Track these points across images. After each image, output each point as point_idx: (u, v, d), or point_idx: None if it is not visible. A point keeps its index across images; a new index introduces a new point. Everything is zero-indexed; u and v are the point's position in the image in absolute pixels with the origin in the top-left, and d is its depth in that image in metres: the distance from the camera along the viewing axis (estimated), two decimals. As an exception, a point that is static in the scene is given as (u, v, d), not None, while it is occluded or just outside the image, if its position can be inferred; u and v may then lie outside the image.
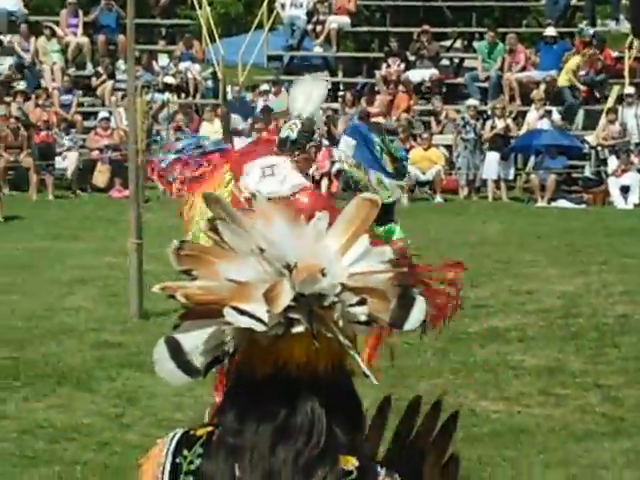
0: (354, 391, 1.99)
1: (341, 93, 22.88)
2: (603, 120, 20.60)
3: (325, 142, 22.81)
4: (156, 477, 1.98)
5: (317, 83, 5.99)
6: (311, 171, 6.21)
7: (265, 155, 5.92)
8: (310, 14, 24.21)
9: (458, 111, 21.67)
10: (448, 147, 21.19)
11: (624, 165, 19.66)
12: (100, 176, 20.69)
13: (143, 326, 9.80)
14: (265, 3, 23.47)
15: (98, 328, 9.81)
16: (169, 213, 16.48)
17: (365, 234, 1.94)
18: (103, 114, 21.70)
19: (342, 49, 25.38)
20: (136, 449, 6.57)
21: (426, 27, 23.27)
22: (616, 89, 21.32)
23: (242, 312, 1.83)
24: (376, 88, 22.81)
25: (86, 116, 22.76)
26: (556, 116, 20.99)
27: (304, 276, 1.85)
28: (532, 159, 20.80)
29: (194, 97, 23.29)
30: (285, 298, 1.83)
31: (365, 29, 25.82)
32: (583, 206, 19.47)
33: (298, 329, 1.85)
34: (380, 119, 21.37)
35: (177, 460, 1.97)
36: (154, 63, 23.57)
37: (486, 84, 22.40)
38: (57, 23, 23.68)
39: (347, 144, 13.44)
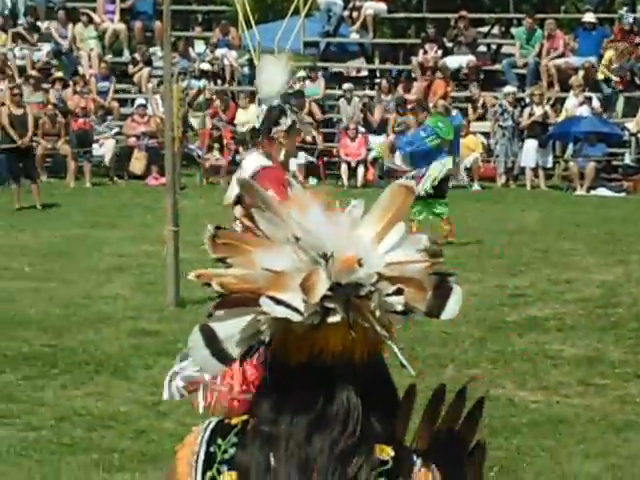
0: (390, 380, 1.97)
1: (377, 80, 22.80)
2: (643, 107, 20.41)
3: (361, 130, 22.88)
4: (190, 465, 1.96)
5: (279, 63, 5.85)
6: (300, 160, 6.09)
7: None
8: (346, 0, 24.13)
9: (496, 98, 21.52)
10: (486, 134, 21.05)
11: (665, 152, 19.48)
12: (137, 163, 20.75)
13: (179, 314, 9.80)
14: (302, -11, 23.43)
15: (135, 316, 9.82)
16: (205, 200, 16.55)
17: (401, 222, 1.91)
18: (139, 101, 21.75)
19: (378, 35, 25.27)
20: (172, 437, 6.58)
21: (463, 13, 23.13)
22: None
23: (278, 302, 1.81)
24: (413, 75, 22.69)
25: (123, 103, 22.84)
26: (596, 103, 20.80)
27: (341, 265, 1.83)
28: (571, 146, 20.62)
29: (230, 84, 23.29)
30: (321, 287, 1.81)
31: (402, 15, 25.68)
32: (623, 194, 19.29)
33: (334, 319, 1.83)
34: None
35: (211, 449, 1.95)
36: (190, 50, 23.59)
37: (524, 70, 22.22)
38: (94, 10, 23.75)
39: (402, 159, 13.45)
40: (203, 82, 22.63)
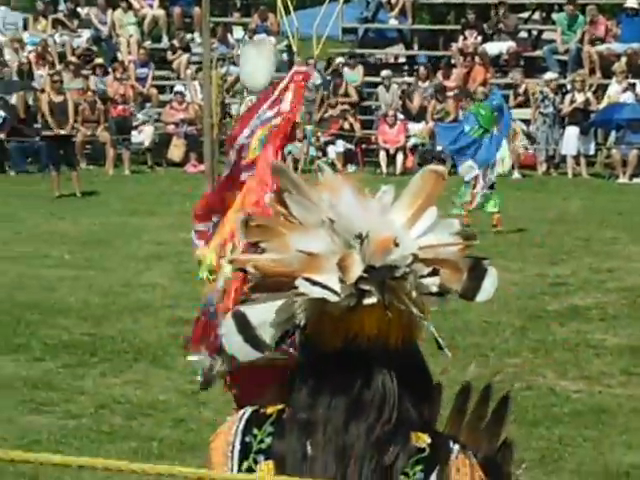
0: (425, 367, 1.96)
1: (416, 67, 22.68)
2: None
3: (400, 117, 22.79)
4: (226, 455, 1.95)
5: (263, 53, 5.73)
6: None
7: None
8: (386, -14, 24.03)
9: (537, 84, 21.33)
10: (526, 122, 20.88)
11: None
12: (175, 150, 20.77)
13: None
14: (340, -25, 23.33)
15: (173, 305, 9.82)
16: (244, 188, 16.52)
17: (433, 206, 1.91)
18: (178, 88, 21.76)
19: (418, 21, 25.15)
20: (211, 426, 6.50)
21: (504, -1, 22.95)
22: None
23: (314, 283, 1.81)
24: (452, 61, 22.54)
25: (161, 90, 22.86)
26: (639, 89, 20.56)
27: (376, 247, 1.82)
28: (613, 134, 20.41)
29: (269, 71, 23.22)
30: (357, 269, 1.81)
31: (441, 1, 25.50)
32: (666, 182, 19.09)
33: (370, 300, 1.82)
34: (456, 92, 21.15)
35: (247, 439, 1.94)
36: (229, 36, 23.58)
37: (565, 57, 22.01)
38: (134, -4, 23.81)
39: (470, 168, 13.38)
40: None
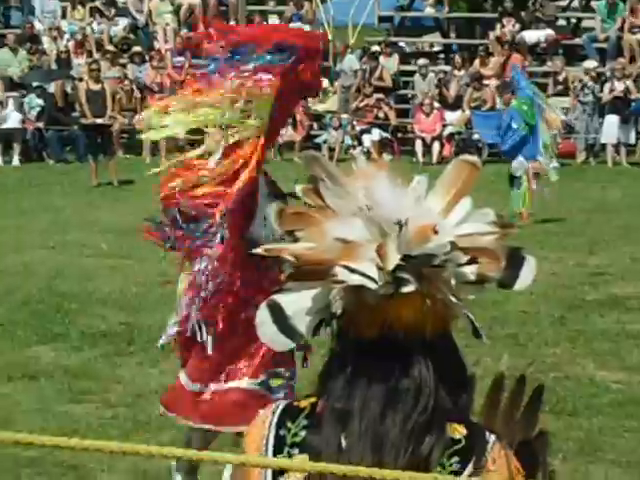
0: (460, 356, 1.95)
1: (453, 55, 22.56)
2: None
3: (436, 105, 22.67)
4: (260, 449, 1.94)
5: None
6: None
7: None
8: (422, -27, 23.91)
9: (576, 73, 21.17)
10: (565, 110, 20.69)
11: None
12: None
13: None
14: (376, -37, 23.23)
15: (209, 294, 9.81)
16: (280, 176, 16.49)
17: (468, 196, 1.91)
18: (215, 77, 21.76)
19: (454, 9, 24.97)
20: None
21: (542, -14, 22.76)
22: None
23: (353, 270, 1.80)
24: (490, 49, 22.40)
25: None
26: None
27: (414, 235, 1.81)
28: (654, 122, 20.20)
29: (304, 59, 23.19)
30: (394, 257, 1.80)
31: (478, -12, 25.35)
32: None
33: (408, 289, 1.81)
34: (493, 81, 21.02)
35: (281, 432, 1.93)
36: (265, 24, 23.55)
37: (605, 45, 21.80)
38: (169, -16, 23.83)
39: (520, 165, 13.31)
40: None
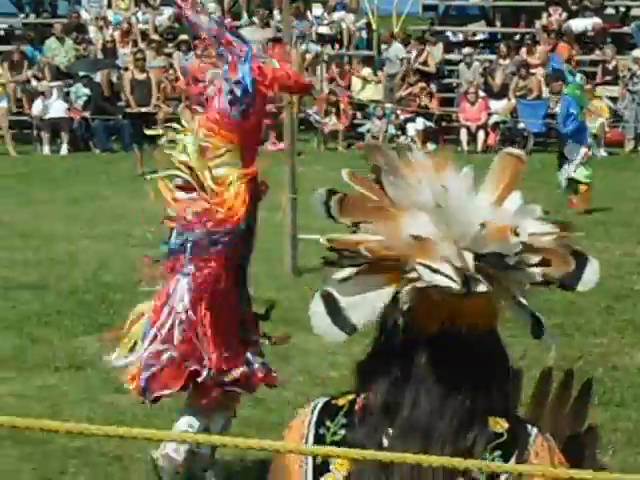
0: (505, 351, 1.94)
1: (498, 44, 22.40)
2: None
3: (481, 94, 22.54)
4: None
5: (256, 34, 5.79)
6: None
7: None
8: (467, -39, 23.76)
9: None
10: (613, 99, 20.48)
11: None
12: (255, 128, 20.80)
13: (296, 282, 9.77)
14: (421, -49, 23.11)
15: (254, 285, 9.80)
16: (323, 166, 16.48)
17: (516, 190, 1.90)
18: (258, 66, 21.76)
19: (500, -2, 24.81)
20: (291, 406, 6.57)
21: (590, -27, 22.52)
22: None
23: (434, 270, 1.78)
24: (536, 38, 22.21)
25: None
26: None
27: (491, 236, 1.79)
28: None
29: (347, 48, 23.15)
30: (470, 257, 1.79)
31: (524, -23, 25.14)
32: None
33: (480, 289, 1.79)
34: (540, 70, 20.84)
35: (320, 431, 1.92)
36: (308, 13, 23.51)
37: (654, 33, 21.55)
38: (215, -28, 23.86)
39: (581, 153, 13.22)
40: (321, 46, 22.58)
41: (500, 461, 1.85)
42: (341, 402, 1.94)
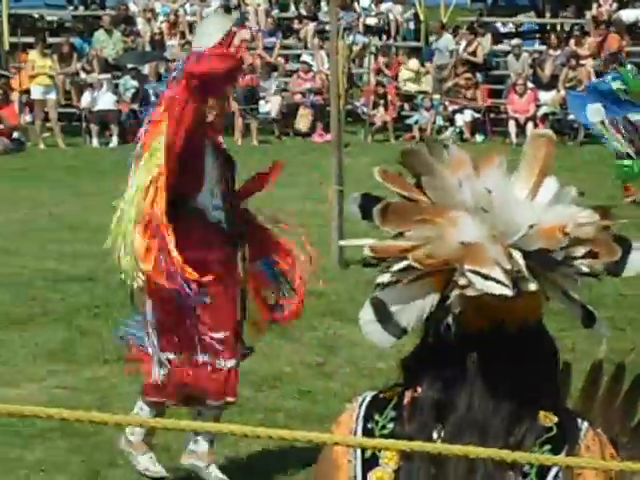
0: (555, 345, 1.93)
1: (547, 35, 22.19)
2: None
3: (530, 85, 22.36)
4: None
5: (219, 22, 5.73)
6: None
7: None
8: (516, -49, 23.56)
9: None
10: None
11: None
12: (302, 120, 20.81)
13: (343, 274, 9.76)
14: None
15: (299, 276, 9.82)
16: (370, 158, 16.45)
17: (552, 174, 1.88)
18: (305, 57, 21.77)
19: (550, -12, 24.58)
20: (337, 397, 6.58)
21: (640, -38, 22.27)
22: None
23: (485, 277, 1.76)
24: (585, 29, 22.00)
25: (288, 59, 22.91)
26: None
27: (539, 236, 1.78)
28: None
29: (395, 39, 23.08)
30: (521, 258, 1.77)
31: (574, -33, 24.88)
32: None
33: (530, 288, 1.78)
34: (590, 61, 20.63)
35: (369, 425, 1.91)
36: (356, 4, 23.46)
37: None
38: (262, -36, 23.87)
39: (597, 112, 13.14)
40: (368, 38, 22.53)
41: (549, 455, 1.84)
42: (389, 395, 1.93)
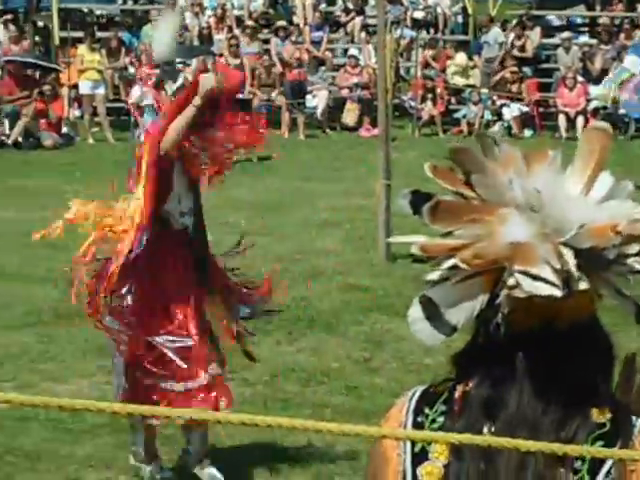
0: (609, 339, 1.91)
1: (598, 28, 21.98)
2: None
3: (580, 79, 22.11)
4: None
5: (165, 22, 5.71)
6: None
7: None
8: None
9: None
10: None
11: None
12: (349, 115, 20.77)
13: (390, 269, 9.74)
14: None
15: (346, 271, 9.81)
16: (418, 152, 16.40)
17: (605, 169, 1.84)
18: (352, 51, 21.72)
19: (600, -19, 24.32)
20: (384, 393, 6.58)
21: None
22: None
23: (534, 277, 1.74)
24: (636, 22, 21.74)
25: (335, 53, 22.88)
26: None
27: (591, 235, 1.75)
28: None
29: (443, 33, 22.97)
30: (572, 257, 1.74)
31: (625, -41, 24.59)
32: None
33: (581, 287, 1.76)
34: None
35: (419, 419, 1.90)
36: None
37: None
38: (309, -42, 23.83)
39: (633, 63, 12.85)
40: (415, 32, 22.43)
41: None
42: (440, 389, 1.92)
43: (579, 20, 24.83)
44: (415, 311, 1.82)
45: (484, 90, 20.78)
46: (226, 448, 5.86)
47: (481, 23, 22.48)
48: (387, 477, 1.91)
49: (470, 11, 22.82)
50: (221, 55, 20.42)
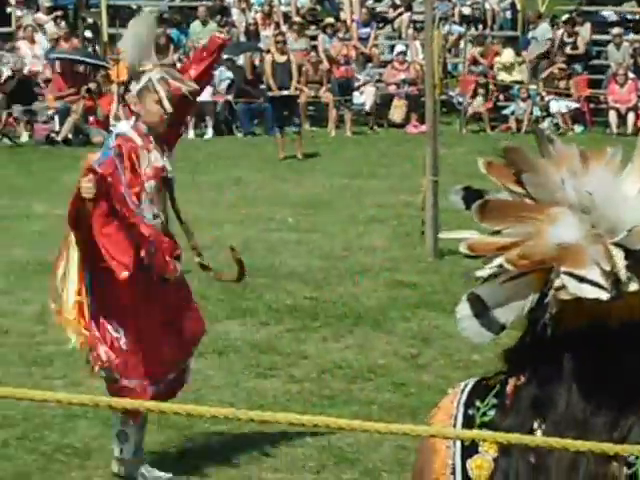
0: None
1: None
2: None
3: (631, 75, 21.91)
4: None
5: (141, 24, 5.66)
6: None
7: None
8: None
9: None
10: None
11: None
12: (396, 111, 20.72)
13: (438, 266, 9.70)
14: None
15: (393, 268, 9.79)
16: (465, 149, 16.32)
17: None
18: (400, 48, 21.65)
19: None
20: (431, 390, 6.55)
21: None
22: None
23: (581, 279, 1.71)
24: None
25: (383, 50, 22.82)
26: None
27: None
28: None
29: (491, 29, 22.83)
30: (622, 260, 1.72)
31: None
32: None
33: (631, 288, 1.73)
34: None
35: (470, 412, 1.88)
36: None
37: None
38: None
39: None
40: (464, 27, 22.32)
41: None
42: (492, 382, 1.90)
43: (629, 16, 24.54)
44: (463, 308, 1.80)
45: (532, 86, 20.62)
46: (274, 445, 5.87)
47: (529, 19, 22.32)
48: (435, 469, 1.90)
49: (519, 7, 22.67)
50: (268, 51, 20.43)
